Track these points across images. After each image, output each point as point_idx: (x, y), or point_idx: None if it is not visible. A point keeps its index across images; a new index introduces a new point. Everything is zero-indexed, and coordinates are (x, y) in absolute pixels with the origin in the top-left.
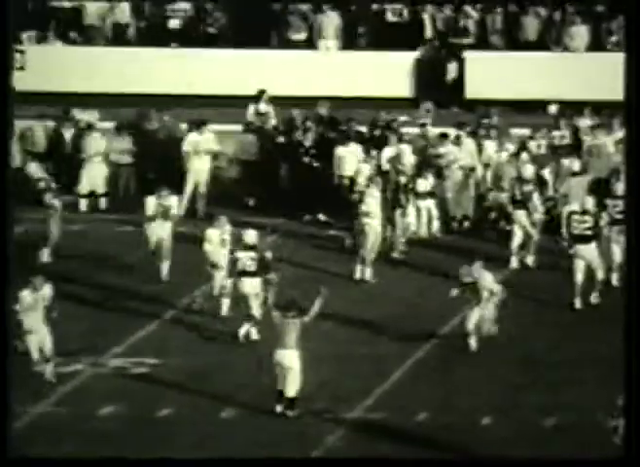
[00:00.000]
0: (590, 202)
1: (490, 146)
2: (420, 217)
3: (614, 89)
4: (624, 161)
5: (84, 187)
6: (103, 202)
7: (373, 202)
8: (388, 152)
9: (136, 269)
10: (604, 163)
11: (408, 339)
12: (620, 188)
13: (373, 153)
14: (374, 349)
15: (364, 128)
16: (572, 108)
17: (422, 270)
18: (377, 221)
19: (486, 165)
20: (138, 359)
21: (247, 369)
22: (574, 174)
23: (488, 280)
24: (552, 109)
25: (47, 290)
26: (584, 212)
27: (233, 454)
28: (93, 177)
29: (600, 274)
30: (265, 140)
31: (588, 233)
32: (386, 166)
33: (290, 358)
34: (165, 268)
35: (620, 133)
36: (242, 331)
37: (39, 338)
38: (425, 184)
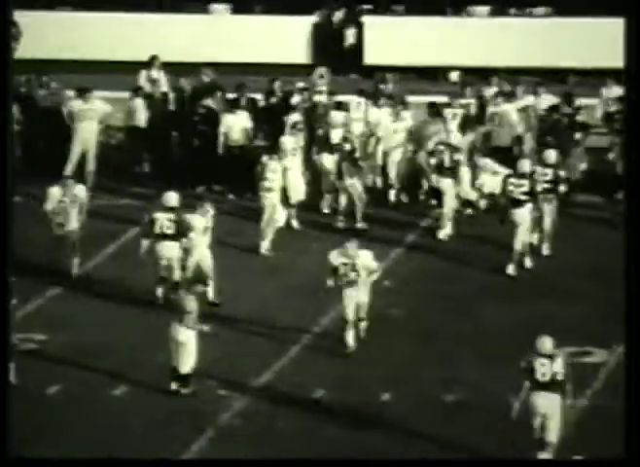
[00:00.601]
0: (527, 166)
1: (384, 113)
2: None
3: (518, 56)
4: (624, 161)
5: None
6: None
7: (273, 177)
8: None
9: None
10: (507, 131)
11: (307, 313)
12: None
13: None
14: (273, 324)
15: (259, 96)
16: (476, 75)
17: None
18: (275, 194)
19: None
20: (26, 335)
21: (144, 345)
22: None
23: (367, 259)
24: (454, 76)
25: None
26: (521, 176)
27: (123, 431)
28: None
29: (533, 239)
30: (155, 107)
31: (525, 197)
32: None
33: (185, 334)
34: (75, 264)
35: (522, 101)
36: (159, 293)
37: None
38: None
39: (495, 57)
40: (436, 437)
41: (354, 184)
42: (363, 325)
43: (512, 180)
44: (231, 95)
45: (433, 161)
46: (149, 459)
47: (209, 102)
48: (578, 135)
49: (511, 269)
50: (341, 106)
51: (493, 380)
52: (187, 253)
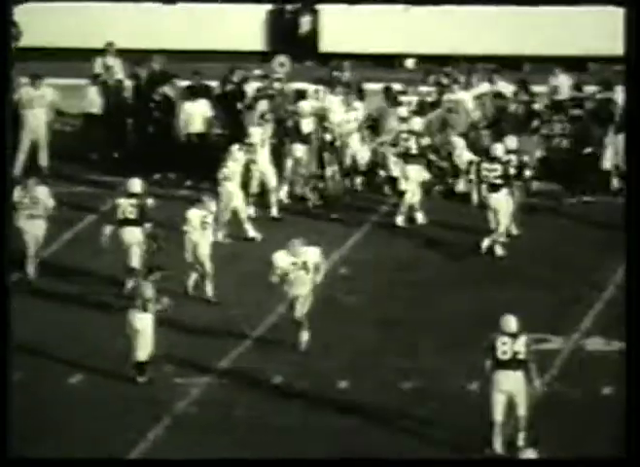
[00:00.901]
0: (500, 150)
1: (336, 102)
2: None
3: (473, 43)
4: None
5: None
6: None
7: (234, 166)
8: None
9: None
10: (463, 119)
11: (265, 301)
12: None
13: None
14: (230, 312)
15: (214, 83)
16: (432, 63)
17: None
18: (233, 184)
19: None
20: None
21: (101, 332)
22: None
23: (316, 255)
24: (410, 64)
25: None
26: (493, 160)
27: (78, 419)
28: None
29: (505, 225)
30: (111, 94)
31: (499, 181)
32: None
33: (142, 321)
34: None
35: (478, 89)
36: (129, 286)
37: None
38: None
39: (451, 45)
40: (393, 424)
41: (335, 173)
42: (305, 335)
43: (485, 165)
44: (184, 83)
45: (394, 150)
46: (149, 459)
47: (166, 90)
48: (535, 123)
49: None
50: (303, 94)
51: (452, 368)
52: (152, 241)
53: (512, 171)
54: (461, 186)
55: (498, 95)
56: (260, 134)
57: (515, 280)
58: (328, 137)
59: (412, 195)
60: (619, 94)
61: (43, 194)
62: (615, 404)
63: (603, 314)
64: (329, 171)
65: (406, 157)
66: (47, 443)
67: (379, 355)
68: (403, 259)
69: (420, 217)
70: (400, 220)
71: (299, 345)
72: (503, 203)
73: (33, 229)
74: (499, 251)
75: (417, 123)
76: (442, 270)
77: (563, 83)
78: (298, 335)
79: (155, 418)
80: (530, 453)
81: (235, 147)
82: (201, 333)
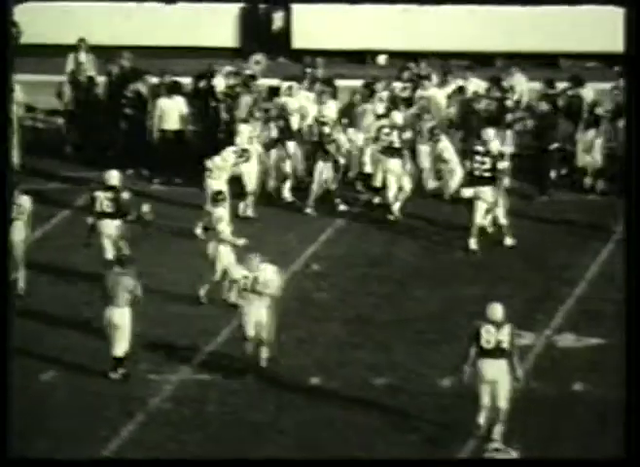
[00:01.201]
0: (495, 144)
1: (306, 99)
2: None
3: (446, 40)
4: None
5: None
6: None
7: (223, 164)
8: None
9: None
10: (436, 115)
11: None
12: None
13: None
14: (203, 306)
15: (188, 79)
16: (404, 59)
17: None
18: (218, 182)
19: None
20: None
21: (74, 328)
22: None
23: (269, 273)
24: (382, 60)
25: None
26: (485, 153)
27: (49, 417)
28: None
29: (501, 218)
30: (83, 90)
31: (488, 174)
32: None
33: (119, 316)
34: (22, 277)
35: (451, 85)
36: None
37: None
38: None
39: (424, 41)
40: (365, 419)
41: (329, 168)
42: (264, 352)
43: (476, 158)
44: (156, 80)
45: (375, 146)
46: (149, 459)
47: (138, 86)
48: (508, 118)
49: (473, 245)
50: (276, 91)
51: (424, 364)
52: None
53: (503, 165)
54: (432, 183)
55: (463, 91)
56: (249, 132)
57: (487, 277)
58: (326, 130)
59: (405, 188)
60: (588, 91)
61: (25, 202)
62: (586, 400)
63: (574, 311)
64: (320, 166)
65: (388, 151)
66: (19, 440)
67: (351, 351)
68: (375, 255)
69: (396, 211)
70: (395, 209)
71: (260, 361)
72: (491, 196)
73: (18, 236)
74: (509, 241)
75: (398, 117)
76: (414, 266)
77: (521, 81)
78: (258, 350)
79: (128, 415)
80: (507, 453)
81: (230, 149)
82: (175, 328)
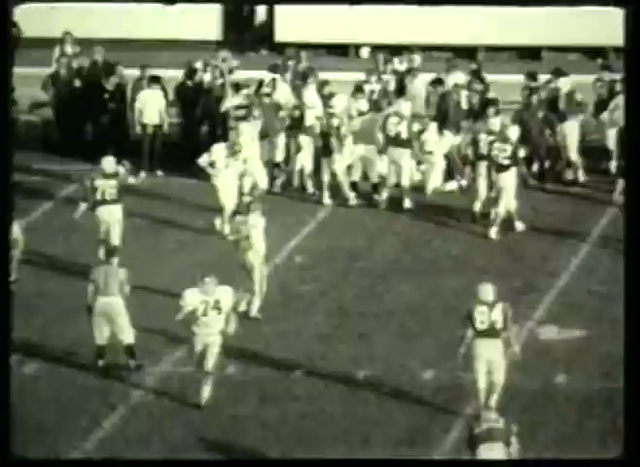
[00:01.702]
0: (516, 131)
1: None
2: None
3: (429, 33)
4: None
5: None
6: None
7: (225, 162)
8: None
9: None
10: (419, 107)
11: None
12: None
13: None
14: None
15: (170, 73)
16: (387, 52)
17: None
18: (222, 180)
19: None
20: None
21: (56, 320)
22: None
23: (228, 295)
24: (365, 53)
25: None
26: (504, 140)
27: (31, 410)
28: None
29: (513, 207)
30: (65, 83)
31: (508, 162)
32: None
33: (117, 304)
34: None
35: (432, 78)
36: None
37: None
38: None
39: (406, 34)
40: (347, 412)
41: (340, 160)
42: (208, 385)
43: (496, 145)
44: (136, 72)
45: (381, 135)
46: (149, 459)
47: (116, 79)
48: (491, 111)
49: (493, 234)
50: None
51: (406, 356)
52: None
53: (522, 153)
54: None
55: (442, 83)
56: (249, 130)
57: (470, 269)
58: (335, 123)
59: (408, 178)
60: (565, 81)
61: (17, 232)
62: (567, 393)
63: (556, 303)
64: (336, 158)
65: (395, 141)
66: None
67: (334, 344)
68: (358, 247)
69: (382, 201)
70: (407, 202)
71: (200, 400)
72: (512, 183)
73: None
74: (520, 226)
75: (406, 107)
76: (396, 259)
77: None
78: (200, 389)
79: (110, 407)
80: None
81: (221, 145)
82: (157, 320)
